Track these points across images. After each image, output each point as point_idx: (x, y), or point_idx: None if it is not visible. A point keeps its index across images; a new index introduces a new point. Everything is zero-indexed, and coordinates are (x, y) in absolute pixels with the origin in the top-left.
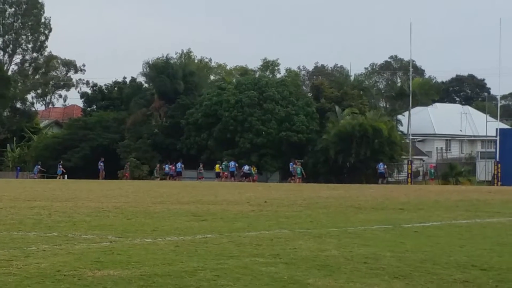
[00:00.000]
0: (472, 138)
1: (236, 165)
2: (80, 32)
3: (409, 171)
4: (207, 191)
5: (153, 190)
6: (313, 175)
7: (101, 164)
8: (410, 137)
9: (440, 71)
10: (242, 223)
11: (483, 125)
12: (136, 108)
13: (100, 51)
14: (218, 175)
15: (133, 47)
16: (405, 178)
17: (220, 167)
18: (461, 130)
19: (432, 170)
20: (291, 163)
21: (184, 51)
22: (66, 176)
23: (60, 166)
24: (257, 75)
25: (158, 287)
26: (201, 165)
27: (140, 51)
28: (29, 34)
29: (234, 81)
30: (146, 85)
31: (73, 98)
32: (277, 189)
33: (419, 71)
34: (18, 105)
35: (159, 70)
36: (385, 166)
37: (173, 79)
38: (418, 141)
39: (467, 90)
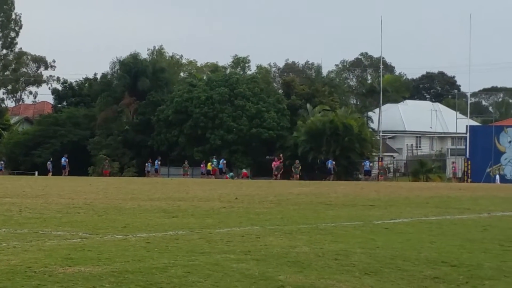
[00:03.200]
0: (442, 135)
1: (225, 162)
2: (52, 29)
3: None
4: (178, 187)
5: (123, 187)
6: (284, 172)
7: (65, 160)
8: (381, 134)
9: (410, 68)
10: (213, 219)
11: (453, 122)
12: (105, 105)
13: (71, 48)
14: (209, 173)
15: (105, 43)
16: (375, 175)
17: (212, 165)
18: (431, 127)
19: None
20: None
21: (156, 48)
22: (37, 172)
23: (66, 160)
24: (227, 72)
25: (129, 283)
26: (185, 162)
27: (111, 47)
28: None
29: (204, 77)
30: (117, 81)
31: (44, 94)
32: (248, 186)
33: (389, 68)
34: None
35: (129, 67)
36: (334, 163)
37: (142, 76)
38: (389, 138)
39: (437, 87)
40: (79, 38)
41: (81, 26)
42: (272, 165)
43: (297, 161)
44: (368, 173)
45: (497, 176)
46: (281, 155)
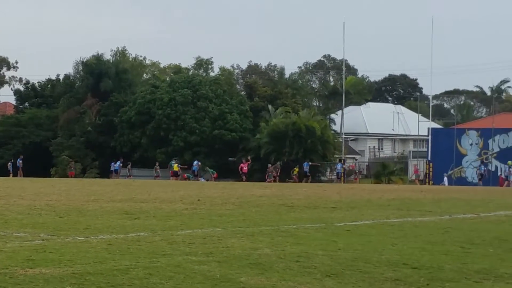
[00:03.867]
0: (405, 137)
1: (199, 164)
2: (14, 29)
3: (342, 170)
4: (140, 189)
5: (85, 188)
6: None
7: (20, 161)
8: (343, 136)
9: (373, 70)
10: (175, 221)
11: (415, 124)
12: (68, 106)
13: (34, 48)
14: (176, 174)
15: (67, 44)
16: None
17: (179, 166)
18: (393, 130)
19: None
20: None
21: (119, 49)
22: None
23: (20, 162)
24: (190, 74)
25: (90, 285)
26: (157, 164)
27: (74, 48)
28: None
29: (167, 79)
30: (79, 82)
31: (6, 95)
32: (210, 187)
33: (352, 71)
34: None
35: (92, 68)
36: (343, 166)
37: (105, 77)
38: (351, 140)
39: (400, 90)
40: (42, 39)
41: (44, 27)
42: (240, 167)
43: (270, 166)
44: (338, 175)
45: (445, 178)
46: (249, 157)
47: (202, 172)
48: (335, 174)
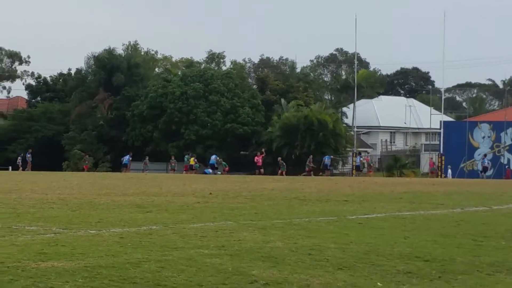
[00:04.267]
0: (416, 130)
1: (217, 158)
2: (27, 24)
3: (354, 163)
4: (152, 183)
5: (97, 182)
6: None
7: (29, 155)
8: (355, 129)
9: (385, 64)
10: (187, 214)
11: (427, 117)
12: (80, 100)
13: (46, 43)
14: (191, 168)
15: (79, 39)
16: (349, 170)
17: (195, 160)
18: (405, 123)
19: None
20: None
21: (131, 43)
22: (10, 167)
23: (29, 156)
24: (202, 67)
25: (102, 278)
26: (172, 157)
27: (86, 43)
28: None
29: (179, 73)
30: (91, 77)
31: (18, 89)
32: (222, 181)
33: (364, 64)
34: None
35: (104, 62)
36: (361, 159)
37: (117, 72)
38: (363, 133)
39: (412, 83)
40: (54, 34)
41: (56, 21)
42: (255, 160)
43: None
44: (326, 168)
45: (449, 171)
46: (263, 150)
47: (219, 166)
48: (354, 167)
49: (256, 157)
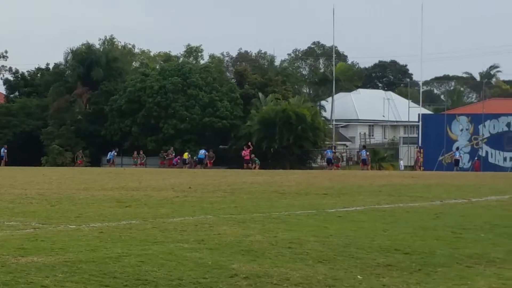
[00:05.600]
0: (395, 123)
1: (207, 153)
2: (3, 18)
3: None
4: (131, 177)
5: (77, 177)
6: (237, 161)
7: (4, 150)
8: (334, 122)
9: (363, 57)
10: (166, 209)
11: (406, 110)
12: (58, 95)
13: (23, 38)
14: (185, 162)
15: (56, 33)
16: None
17: (189, 155)
18: (384, 116)
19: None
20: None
21: (107, 38)
22: None
23: (5, 151)
24: (180, 61)
25: (82, 273)
26: (171, 149)
27: (63, 37)
28: None
29: (157, 67)
30: (69, 71)
31: None
32: (201, 175)
33: (342, 57)
34: None
35: (82, 56)
36: (368, 153)
37: (95, 66)
38: (342, 126)
39: (390, 76)
40: (31, 28)
41: (33, 16)
42: (242, 154)
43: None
44: (364, 162)
45: (401, 162)
46: (249, 144)
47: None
48: (326, 160)
49: (243, 151)
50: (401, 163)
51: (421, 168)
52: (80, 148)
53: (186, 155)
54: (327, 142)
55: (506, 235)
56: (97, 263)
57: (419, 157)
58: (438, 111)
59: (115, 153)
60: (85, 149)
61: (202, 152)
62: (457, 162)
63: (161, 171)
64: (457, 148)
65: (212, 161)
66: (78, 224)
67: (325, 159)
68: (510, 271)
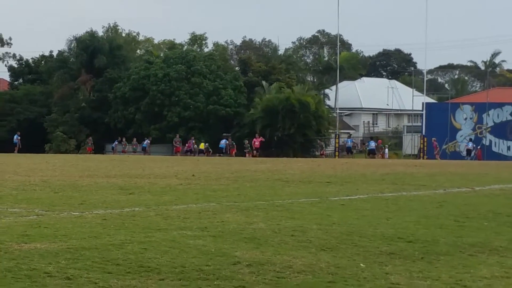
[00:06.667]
0: (399, 112)
1: (227, 142)
2: (8, 5)
3: (337, 145)
4: (134, 165)
5: (80, 164)
6: (241, 149)
7: (17, 137)
8: (337, 111)
9: (367, 45)
10: (169, 196)
11: (410, 99)
12: (62, 82)
13: (28, 25)
14: (201, 152)
15: (60, 21)
16: (332, 152)
17: (206, 144)
18: (387, 104)
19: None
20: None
21: (111, 25)
22: None
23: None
24: (184, 49)
25: (85, 260)
26: (177, 136)
27: (66, 25)
28: None
29: (161, 55)
30: (73, 59)
31: (0, 71)
32: (205, 162)
33: (346, 46)
34: None
35: (85, 44)
36: (376, 144)
37: (99, 53)
38: (345, 115)
39: (394, 65)
40: (36, 15)
41: (38, 3)
42: (253, 142)
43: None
44: (372, 152)
45: (386, 150)
46: (257, 134)
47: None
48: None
49: (254, 139)
50: (386, 150)
51: (438, 156)
52: (84, 136)
53: (202, 146)
54: (331, 131)
55: (509, 223)
56: (100, 250)
57: (437, 146)
58: (442, 100)
59: (117, 142)
60: (88, 136)
61: (222, 142)
62: (469, 152)
63: (165, 158)
64: (470, 139)
65: (234, 150)
66: (81, 211)
67: (346, 147)
68: None
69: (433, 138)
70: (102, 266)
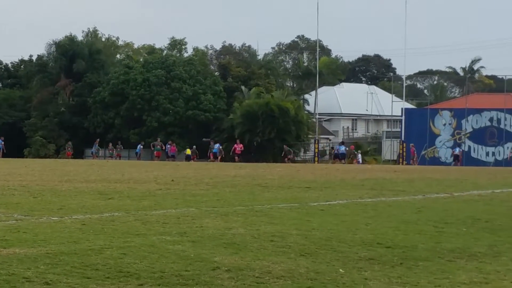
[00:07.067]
0: (378, 117)
1: (220, 147)
2: None
3: (316, 150)
4: (114, 169)
5: (59, 169)
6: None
7: (1, 142)
8: (317, 116)
9: (346, 51)
10: (149, 201)
11: (389, 104)
12: (41, 87)
13: (6, 29)
14: (188, 158)
15: (39, 25)
16: (311, 157)
17: (191, 149)
18: (367, 110)
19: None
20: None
21: (90, 30)
22: None
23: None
24: (164, 54)
25: (64, 265)
26: (158, 139)
27: (45, 29)
28: None
29: (141, 60)
30: (52, 63)
31: None
32: (184, 168)
33: (325, 51)
34: None
35: (65, 48)
36: (347, 148)
37: (78, 58)
38: (325, 120)
39: (373, 70)
40: (14, 20)
41: (16, 7)
42: (233, 148)
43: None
44: (343, 156)
45: (359, 155)
46: (237, 141)
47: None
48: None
49: (235, 145)
50: (359, 155)
51: (416, 162)
52: (64, 140)
53: (188, 151)
54: (310, 136)
55: (487, 229)
56: (79, 255)
57: (414, 152)
58: (421, 106)
59: (97, 146)
60: (68, 141)
61: (216, 146)
62: (456, 157)
63: (144, 163)
64: (458, 145)
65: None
66: (61, 216)
67: (333, 154)
68: (491, 265)
69: (411, 144)
70: (81, 271)
